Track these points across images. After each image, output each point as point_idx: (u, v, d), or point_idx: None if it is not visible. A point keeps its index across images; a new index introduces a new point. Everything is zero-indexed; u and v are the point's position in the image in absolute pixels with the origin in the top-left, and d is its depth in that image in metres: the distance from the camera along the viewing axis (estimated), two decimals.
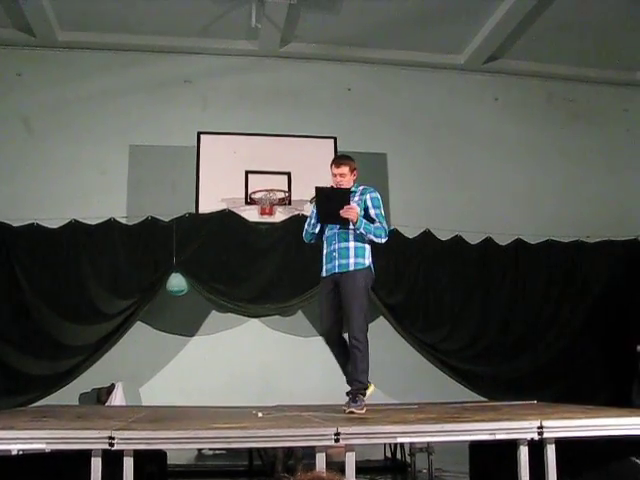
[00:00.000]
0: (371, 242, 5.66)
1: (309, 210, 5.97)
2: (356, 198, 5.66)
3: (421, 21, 8.98)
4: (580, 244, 9.61)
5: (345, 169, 5.75)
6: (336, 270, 5.61)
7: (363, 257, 5.64)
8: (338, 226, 5.66)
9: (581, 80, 10.42)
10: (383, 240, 5.63)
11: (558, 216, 9.77)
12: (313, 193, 5.70)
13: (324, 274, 5.73)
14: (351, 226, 5.59)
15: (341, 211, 5.48)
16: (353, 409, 5.33)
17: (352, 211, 5.50)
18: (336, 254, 5.63)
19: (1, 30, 8.97)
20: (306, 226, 5.85)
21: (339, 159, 5.91)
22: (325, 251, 5.74)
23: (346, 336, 5.63)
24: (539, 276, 9.46)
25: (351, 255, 5.60)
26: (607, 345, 9.08)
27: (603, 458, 4.50)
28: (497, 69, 10.13)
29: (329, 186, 5.70)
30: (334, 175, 5.75)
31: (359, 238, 5.63)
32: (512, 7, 8.54)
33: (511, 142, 10.08)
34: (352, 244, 5.62)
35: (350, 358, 5.53)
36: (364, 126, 9.63)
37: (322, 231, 5.82)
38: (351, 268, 5.58)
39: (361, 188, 5.78)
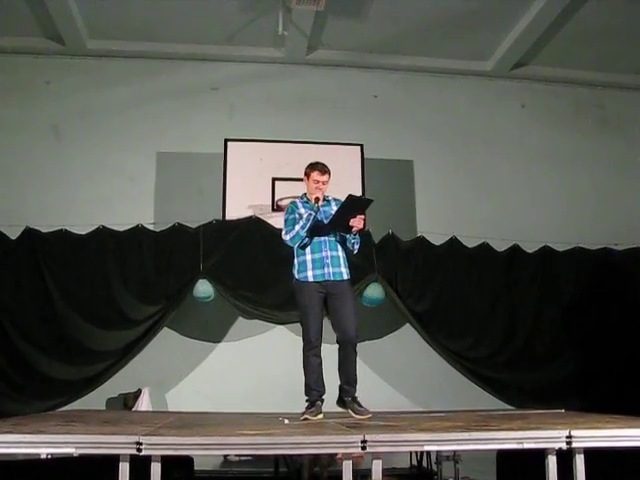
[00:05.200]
0: (346, 252, 5.90)
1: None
2: (332, 207, 5.83)
3: (448, 28, 8.99)
4: (609, 251, 9.49)
5: (327, 177, 5.88)
6: (329, 277, 5.73)
7: (348, 267, 5.88)
8: (327, 234, 5.79)
9: (610, 86, 10.35)
10: (357, 251, 5.93)
11: (586, 223, 9.68)
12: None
13: (310, 279, 5.74)
14: (339, 235, 5.81)
15: (353, 219, 5.62)
16: (369, 414, 5.57)
17: (362, 221, 5.67)
18: (328, 261, 5.75)
19: (31, 39, 9.10)
20: (298, 228, 5.71)
21: (324, 166, 5.88)
22: (310, 257, 5.77)
23: None
24: (567, 284, 9.33)
25: (342, 264, 5.83)
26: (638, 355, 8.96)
27: (633, 469, 4.44)
28: (524, 75, 10.09)
29: (358, 195, 5.68)
30: (316, 182, 5.82)
31: (344, 249, 5.87)
32: (539, 13, 8.51)
33: (538, 149, 10.04)
34: (341, 254, 5.86)
35: (351, 359, 5.69)
36: (391, 133, 9.63)
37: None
38: (345, 277, 5.83)
39: (332, 198, 5.95)
